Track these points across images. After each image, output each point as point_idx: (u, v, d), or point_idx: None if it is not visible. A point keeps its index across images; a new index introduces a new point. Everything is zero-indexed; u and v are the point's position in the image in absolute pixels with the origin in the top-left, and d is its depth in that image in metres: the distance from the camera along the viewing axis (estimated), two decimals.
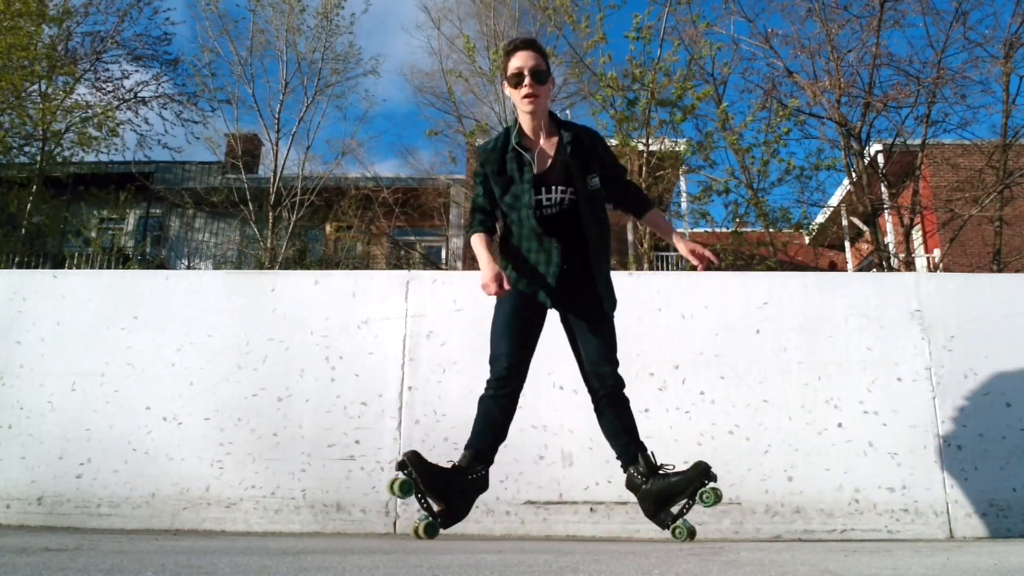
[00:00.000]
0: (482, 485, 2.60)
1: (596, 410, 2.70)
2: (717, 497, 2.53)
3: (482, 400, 2.63)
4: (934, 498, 3.22)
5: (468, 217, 2.91)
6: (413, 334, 3.47)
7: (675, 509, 2.59)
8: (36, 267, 13.74)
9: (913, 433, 3.30)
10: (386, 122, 30.38)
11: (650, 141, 9.19)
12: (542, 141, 2.66)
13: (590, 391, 2.70)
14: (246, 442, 3.35)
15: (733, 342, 3.44)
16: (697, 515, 3.20)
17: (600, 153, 2.71)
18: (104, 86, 13.74)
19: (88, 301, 3.59)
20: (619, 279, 3.70)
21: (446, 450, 3.25)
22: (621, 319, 3.54)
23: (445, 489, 2.52)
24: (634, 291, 3.56)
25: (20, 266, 12.13)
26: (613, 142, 8.98)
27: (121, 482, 3.31)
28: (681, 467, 2.60)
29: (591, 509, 3.24)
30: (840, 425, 3.32)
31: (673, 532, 2.60)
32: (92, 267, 13.17)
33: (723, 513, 3.22)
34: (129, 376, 3.45)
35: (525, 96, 2.58)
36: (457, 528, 3.17)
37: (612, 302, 2.73)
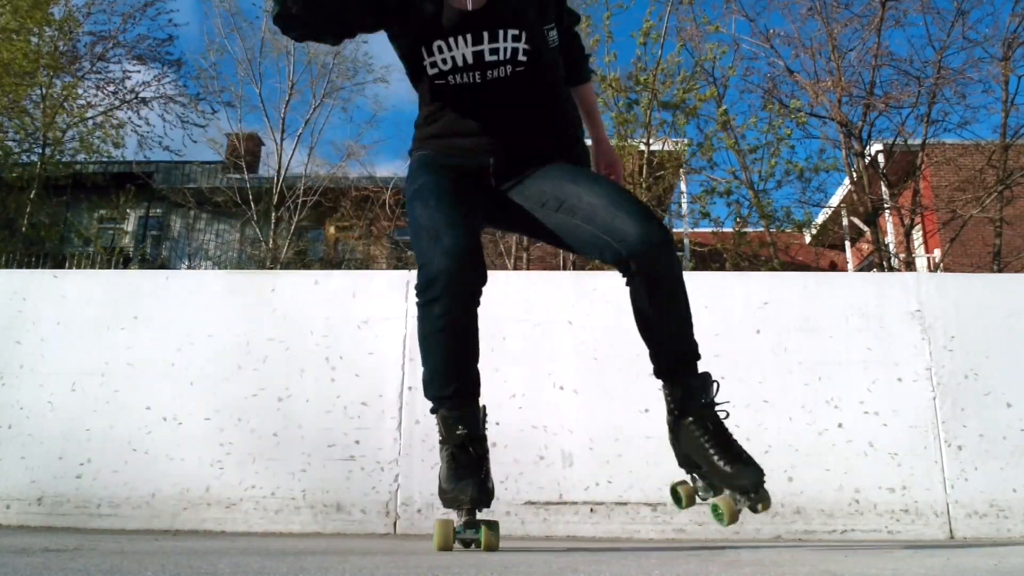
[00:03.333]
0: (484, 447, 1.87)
1: (627, 285, 1.83)
2: (719, 516, 1.73)
3: (431, 316, 1.74)
4: (934, 498, 3.22)
5: None
6: (413, 334, 3.47)
7: (692, 474, 1.88)
8: (36, 267, 13.73)
9: (913, 433, 3.30)
10: (392, 127, 30.36)
11: (651, 141, 9.20)
12: None
13: (612, 260, 1.78)
14: (246, 442, 3.35)
15: (733, 342, 3.44)
16: (697, 515, 3.21)
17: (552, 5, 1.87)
18: (106, 87, 13.75)
19: (88, 301, 3.59)
20: (619, 279, 3.70)
21: None
22: (622, 319, 3.54)
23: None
24: None
25: (20, 266, 12.13)
26: (613, 142, 8.98)
27: (121, 482, 3.31)
28: (748, 452, 1.80)
29: (591, 509, 3.24)
30: (840, 425, 3.32)
31: (674, 496, 1.93)
32: (92, 267, 13.17)
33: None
34: (129, 376, 3.45)
35: None
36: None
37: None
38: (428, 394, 1.87)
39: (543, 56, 1.82)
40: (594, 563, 1.61)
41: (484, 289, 1.78)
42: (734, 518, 1.72)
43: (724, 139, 8.99)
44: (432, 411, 1.91)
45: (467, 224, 1.73)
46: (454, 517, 1.87)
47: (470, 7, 1.73)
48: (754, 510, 1.73)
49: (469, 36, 1.73)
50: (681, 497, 1.89)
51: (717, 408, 1.81)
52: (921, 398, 3.34)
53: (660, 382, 1.91)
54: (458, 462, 1.81)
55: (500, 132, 1.85)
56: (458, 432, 1.81)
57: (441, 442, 1.88)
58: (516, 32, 1.74)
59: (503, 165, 1.87)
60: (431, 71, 1.78)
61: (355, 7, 1.72)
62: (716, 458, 1.75)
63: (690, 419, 1.79)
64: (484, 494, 1.80)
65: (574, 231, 1.79)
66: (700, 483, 1.85)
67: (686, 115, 8.93)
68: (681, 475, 1.94)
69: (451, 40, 1.74)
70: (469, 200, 1.82)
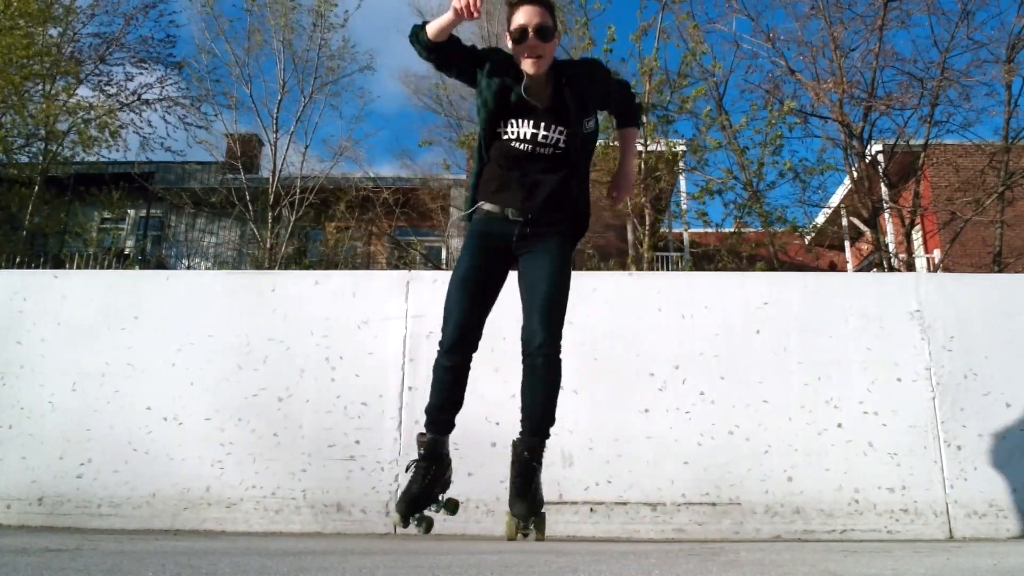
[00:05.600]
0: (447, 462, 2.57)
1: (522, 369, 2.51)
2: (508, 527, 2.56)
3: (436, 368, 2.52)
4: (934, 498, 3.22)
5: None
6: (413, 334, 3.47)
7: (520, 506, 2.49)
8: (37, 267, 13.74)
9: (913, 433, 3.30)
10: (383, 120, 30.42)
11: (647, 142, 9.20)
12: (546, 84, 2.52)
13: (522, 346, 2.50)
14: (246, 442, 3.35)
15: (733, 342, 3.44)
16: (697, 515, 3.21)
17: (601, 83, 2.57)
18: (108, 88, 13.76)
19: (89, 301, 3.59)
20: (619, 279, 3.71)
21: None
22: (621, 319, 3.56)
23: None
24: (634, 291, 3.56)
25: (21, 266, 12.13)
26: (601, 142, 8.98)
27: (121, 482, 3.31)
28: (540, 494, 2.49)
29: (591, 509, 3.24)
30: (840, 425, 3.32)
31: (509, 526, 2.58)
32: (93, 267, 13.17)
33: (723, 513, 3.22)
34: (130, 376, 3.45)
35: (529, 56, 2.41)
36: (457, 528, 3.18)
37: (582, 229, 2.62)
38: (426, 413, 2.58)
39: (576, 146, 2.52)
40: (594, 563, 1.61)
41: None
42: (512, 535, 2.51)
43: (711, 141, 8.98)
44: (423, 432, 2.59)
45: (471, 303, 2.50)
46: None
47: (540, 106, 2.50)
48: (525, 535, 2.50)
49: (531, 122, 2.49)
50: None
51: (536, 464, 2.48)
52: (921, 398, 3.35)
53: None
54: (414, 475, 2.51)
55: (533, 196, 2.52)
56: (420, 451, 2.52)
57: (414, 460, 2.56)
58: (562, 128, 2.49)
59: (524, 236, 2.54)
60: (504, 137, 2.52)
61: (462, 64, 2.54)
62: (512, 491, 2.48)
63: (522, 458, 2.47)
64: (421, 500, 2.52)
65: (524, 304, 2.52)
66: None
67: (667, 117, 8.93)
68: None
69: (521, 120, 2.50)
70: (494, 275, 2.57)
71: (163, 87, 14.10)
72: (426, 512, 2.56)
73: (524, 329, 2.47)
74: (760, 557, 1.83)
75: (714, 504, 3.24)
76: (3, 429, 3.39)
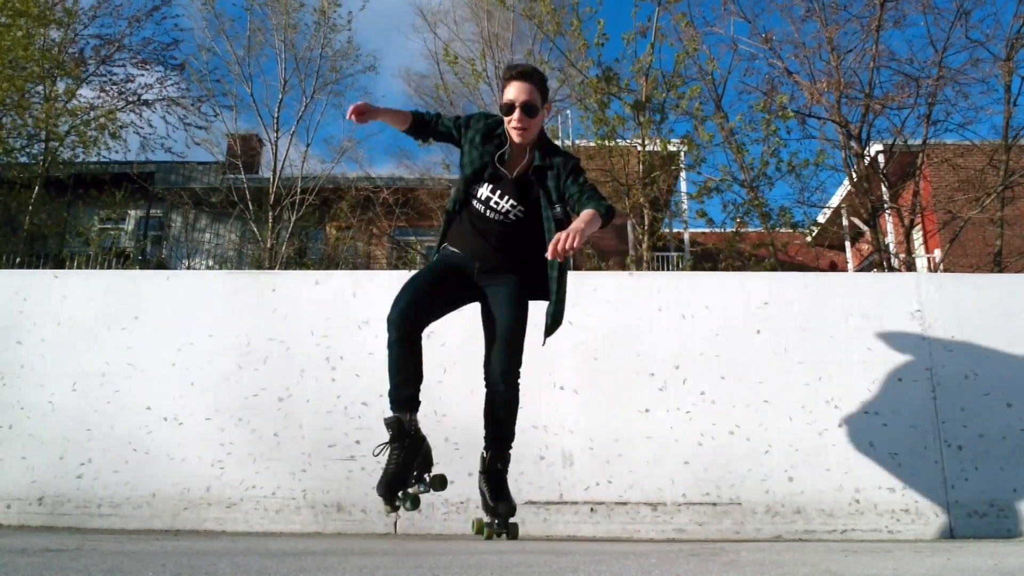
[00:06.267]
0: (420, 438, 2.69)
1: (485, 394, 2.74)
2: (479, 532, 2.79)
3: (388, 346, 2.67)
4: (934, 498, 3.22)
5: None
6: None
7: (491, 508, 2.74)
8: (37, 267, 13.73)
9: (913, 433, 3.30)
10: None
11: (644, 142, 9.20)
12: (525, 155, 2.74)
13: (484, 373, 2.73)
14: (247, 442, 3.35)
15: (733, 342, 3.44)
16: (697, 515, 3.21)
17: (570, 179, 2.72)
18: (110, 89, 13.75)
19: (89, 301, 3.59)
20: (619, 279, 3.70)
21: (446, 450, 3.25)
22: (621, 319, 3.56)
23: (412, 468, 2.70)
24: (634, 291, 3.56)
25: (21, 266, 12.13)
26: (594, 142, 9.02)
27: (122, 482, 3.31)
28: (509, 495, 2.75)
29: (591, 509, 3.24)
30: (841, 425, 3.32)
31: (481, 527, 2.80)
32: (93, 267, 13.18)
33: (724, 513, 3.22)
34: (130, 376, 3.45)
35: (514, 128, 2.66)
36: (458, 528, 3.18)
37: (556, 322, 2.76)
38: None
39: (530, 222, 2.72)
40: (594, 563, 1.61)
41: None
42: (490, 536, 2.71)
43: (704, 135, 8.96)
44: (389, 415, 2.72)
45: (421, 296, 2.68)
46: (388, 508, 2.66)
47: (508, 176, 2.72)
48: (500, 535, 2.70)
49: (491, 187, 2.73)
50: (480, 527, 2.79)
51: (505, 470, 2.75)
52: (921, 398, 3.34)
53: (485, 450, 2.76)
54: (389, 457, 2.61)
55: (486, 248, 2.75)
56: (390, 433, 2.63)
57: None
58: (515, 203, 2.72)
59: (482, 271, 2.77)
60: (471, 193, 2.76)
61: (439, 138, 2.88)
62: (489, 496, 2.73)
63: (485, 474, 2.74)
64: (400, 481, 2.62)
65: (486, 338, 2.74)
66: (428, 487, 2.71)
67: (662, 116, 8.91)
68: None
69: (486, 183, 2.73)
70: (451, 282, 2.76)
71: (163, 87, 14.10)
72: (410, 490, 2.65)
73: (485, 358, 2.70)
74: (761, 557, 1.83)
75: (715, 504, 3.24)
76: (3, 429, 3.39)
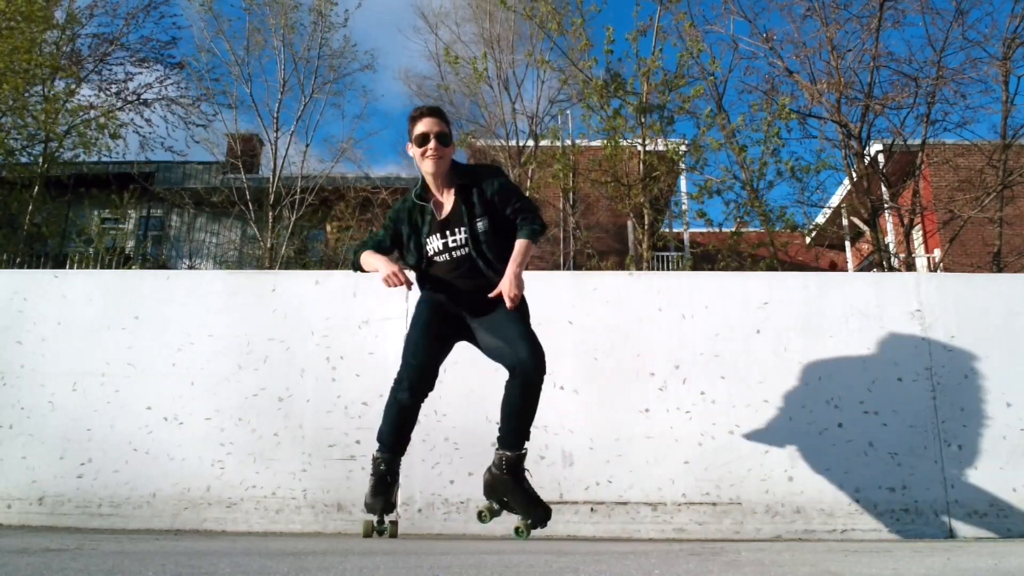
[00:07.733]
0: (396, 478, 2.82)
1: (507, 383, 2.70)
2: (519, 534, 2.71)
3: (394, 404, 2.73)
4: (934, 498, 3.22)
5: (357, 247, 3.13)
6: None
7: (497, 504, 2.76)
8: (37, 267, 13.74)
9: (913, 433, 3.30)
10: (385, 119, 30.43)
11: (645, 143, 9.20)
12: (444, 193, 2.90)
13: (508, 367, 2.70)
14: (247, 442, 3.35)
15: (733, 342, 3.44)
16: (697, 515, 3.22)
17: (493, 192, 2.86)
18: (108, 88, 13.72)
19: (89, 301, 3.59)
20: (619, 279, 3.70)
21: (447, 450, 3.26)
22: (621, 319, 3.56)
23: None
24: (634, 291, 3.56)
25: (21, 266, 12.13)
26: (604, 141, 8.97)
27: (122, 482, 3.31)
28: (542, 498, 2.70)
29: (592, 509, 3.24)
30: (840, 425, 3.32)
31: (480, 516, 2.82)
32: (93, 267, 13.19)
33: (724, 513, 3.22)
34: (130, 376, 3.45)
35: (430, 156, 2.82)
36: (458, 528, 3.18)
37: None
38: (378, 439, 2.80)
39: (479, 239, 2.82)
40: (594, 563, 1.61)
41: None
42: (529, 534, 2.71)
43: (712, 142, 8.96)
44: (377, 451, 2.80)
45: (431, 350, 2.77)
46: (373, 518, 2.84)
47: (441, 218, 2.87)
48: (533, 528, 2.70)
49: (438, 234, 2.86)
50: (486, 515, 2.79)
51: (525, 471, 2.71)
52: (921, 398, 3.35)
53: (498, 446, 2.72)
54: (377, 486, 2.76)
55: (464, 290, 2.83)
56: (381, 468, 2.75)
57: (371, 473, 2.79)
58: (462, 227, 2.83)
59: (469, 314, 2.85)
60: (429, 254, 2.89)
61: (393, 248, 3.01)
62: (523, 500, 2.67)
63: (508, 476, 2.66)
64: (389, 506, 2.83)
65: (495, 344, 2.75)
66: (497, 508, 2.76)
67: (664, 119, 8.90)
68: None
69: (433, 236, 2.88)
70: (444, 325, 2.84)
71: (163, 86, 14.08)
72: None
73: (508, 357, 2.67)
74: (761, 557, 1.84)
75: (715, 504, 3.24)
76: (3, 429, 3.39)
